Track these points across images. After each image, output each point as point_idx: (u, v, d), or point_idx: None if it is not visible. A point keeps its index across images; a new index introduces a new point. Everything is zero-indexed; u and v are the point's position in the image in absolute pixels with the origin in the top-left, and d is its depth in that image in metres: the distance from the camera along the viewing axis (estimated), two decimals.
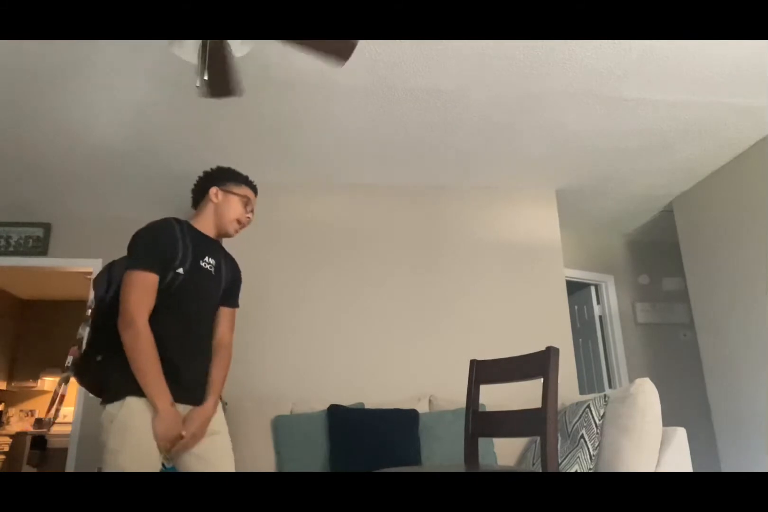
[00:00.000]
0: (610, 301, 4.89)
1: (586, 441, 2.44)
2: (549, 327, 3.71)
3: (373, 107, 3.04)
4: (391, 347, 3.58)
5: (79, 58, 2.57)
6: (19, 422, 7.04)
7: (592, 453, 2.41)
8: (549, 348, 1.70)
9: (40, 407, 7.21)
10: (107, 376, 1.77)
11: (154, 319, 1.75)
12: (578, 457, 2.41)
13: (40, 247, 4.38)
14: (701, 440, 3.29)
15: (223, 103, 2.99)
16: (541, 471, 1.59)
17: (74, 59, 2.58)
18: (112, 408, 1.70)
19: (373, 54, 2.58)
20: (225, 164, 3.67)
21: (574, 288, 4.91)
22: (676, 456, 2.32)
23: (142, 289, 1.74)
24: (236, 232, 2.02)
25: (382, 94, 2.92)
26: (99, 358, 1.82)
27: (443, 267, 3.82)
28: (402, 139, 3.40)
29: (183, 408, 1.78)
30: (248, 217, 2.03)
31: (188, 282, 1.83)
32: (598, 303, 4.95)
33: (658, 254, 5.08)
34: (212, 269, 1.94)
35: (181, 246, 1.84)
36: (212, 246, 1.99)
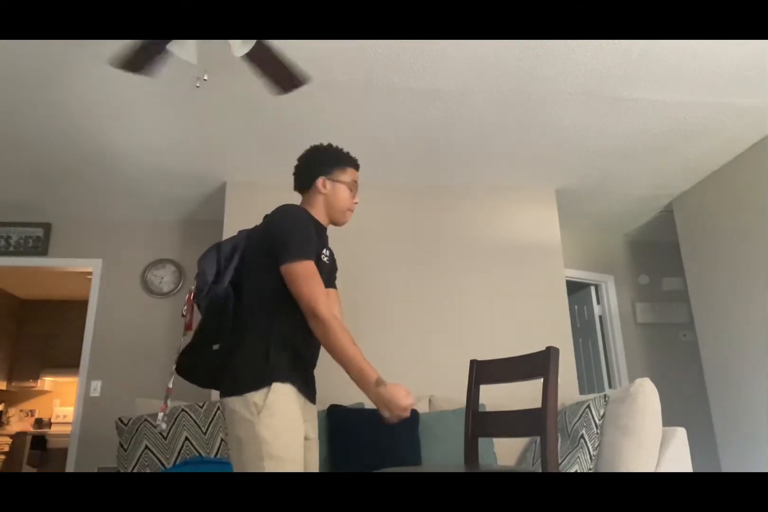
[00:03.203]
0: (610, 301, 4.89)
1: (586, 441, 2.44)
2: (549, 327, 3.71)
3: (373, 107, 3.04)
4: (390, 347, 3.58)
5: (79, 58, 2.57)
6: (19, 422, 7.04)
7: (592, 453, 2.41)
8: (549, 348, 1.69)
9: (40, 407, 7.22)
10: (235, 365, 1.64)
11: (288, 308, 1.66)
12: (578, 457, 2.41)
13: (40, 247, 4.38)
14: (701, 440, 3.29)
15: (222, 103, 3.00)
16: (541, 471, 1.58)
17: (74, 59, 2.58)
18: (255, 397, 1.57)
19: (373, 54, 2.58)
20: (224, 164, 3.65)
21: (574, 288, 4.91)
22: (676, 456, 2.33)
23: (312, 278, 1.65)
24: (348, 220, 1.93)
25: (382, 94, 2.92)
26: (216, 347, 1.69)
27: (443, 267, 3.82)
28: (402, 139, 3.39)
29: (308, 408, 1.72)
30: (356, 202, 1.91)
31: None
32: (598, 303, 4.95)
33: (658, 254, 5.07)
34: (327, 260, 1.89)
35: (315, 237, 1.77)
36: (326, 235, 1.91)
